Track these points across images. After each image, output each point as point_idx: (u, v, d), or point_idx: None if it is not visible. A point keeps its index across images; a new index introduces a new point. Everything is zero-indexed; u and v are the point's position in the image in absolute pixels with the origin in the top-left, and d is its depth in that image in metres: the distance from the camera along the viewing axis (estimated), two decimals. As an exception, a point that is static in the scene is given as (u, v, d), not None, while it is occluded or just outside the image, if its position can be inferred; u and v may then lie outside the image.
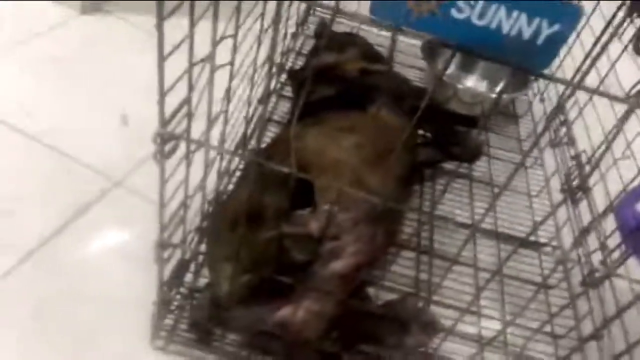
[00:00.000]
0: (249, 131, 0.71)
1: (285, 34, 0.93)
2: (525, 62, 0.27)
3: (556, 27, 0.26)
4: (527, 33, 0.26)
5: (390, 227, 0.72)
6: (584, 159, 0.89)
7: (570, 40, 1.00)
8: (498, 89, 1.13)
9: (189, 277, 0.64)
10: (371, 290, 0.73)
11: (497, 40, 0.27)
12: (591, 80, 0.89)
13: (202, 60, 0.43)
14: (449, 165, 0.96)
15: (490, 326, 0.74)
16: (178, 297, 0.63)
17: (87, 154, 0.84)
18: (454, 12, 0.26)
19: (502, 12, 0.26)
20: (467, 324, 0.73)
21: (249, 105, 0.68)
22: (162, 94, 0.38)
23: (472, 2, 0.26)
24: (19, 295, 0.65)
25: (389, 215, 0.73)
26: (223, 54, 0.47)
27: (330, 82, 0.81)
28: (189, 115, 0.44)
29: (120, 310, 0.66)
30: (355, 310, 0.54)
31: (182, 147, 0.46)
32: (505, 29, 0.26)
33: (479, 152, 0.94)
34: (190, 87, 0.43)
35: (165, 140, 0.41)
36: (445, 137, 0.89)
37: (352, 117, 0.72)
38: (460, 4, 0.26)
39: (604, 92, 0.31)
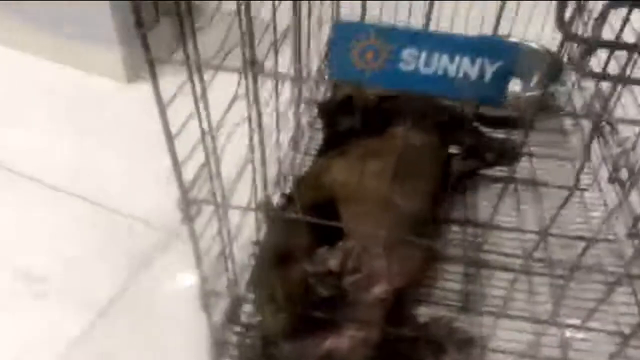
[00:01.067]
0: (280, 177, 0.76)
1: (309, 70, 0.98)
2: (480, 98, 0.29)
3: (498, 63, 0.28)
4: (473, 73, 0.28)
5: (428, 244, 0.74)
6: (629, 144, 0.85)
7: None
8: (532, 85, 1.10)
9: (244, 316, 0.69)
10: (422, 309, 0.74)
11: (447, 84, 0.29)
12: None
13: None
14: (492, 172, 0.95)
15: (549, 332, 0.73)
16: (234, 337, 0.68)
17: (142, 211, 0.92)
18: (402, 66, 0.29)
19: (445, 58, 0.28)
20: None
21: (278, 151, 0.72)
22: (177, 167, 0.43)
23: (415, 54, 0.28)
24: (96, 348, 0.73)
25: (425, 233, 0.74)
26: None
27: (353, 111, 0.84)
28: (211, 180, 0.49)
29: (188, 352, 0.71)
30: (393, 334, 0.56)
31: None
32: (452, 73, 0.28)
33: (516, 154, 0.93)
34: (207, 155, 0.48)
35: (189, 206, 0.46)
36: (477, 146, 0.89)
37: (373, 143, 0.75)
38: (406, 57, 0.28)
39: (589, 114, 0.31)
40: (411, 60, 0.29)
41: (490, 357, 0.57)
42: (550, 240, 0.85)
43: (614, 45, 0.78)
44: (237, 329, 0.67)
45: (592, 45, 0.31)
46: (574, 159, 1.00)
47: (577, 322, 0.72)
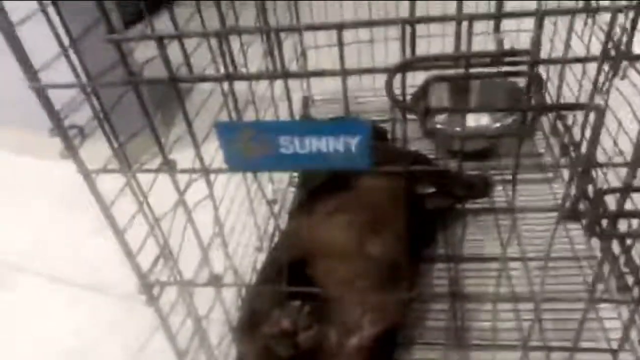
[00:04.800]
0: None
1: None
2: (352, 165, 0.33)
3: (357, 137, 0.32)
4: (341, 147, 0.33)
5: (405, 285, 0.76)
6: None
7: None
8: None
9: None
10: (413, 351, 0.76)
11: (323, 159, 0.34)
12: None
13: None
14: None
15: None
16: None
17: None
18: (283, 150, 0.34)
19: (314, 140, 0.33)
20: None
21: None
22: (131, 257, 0.48)
23: (290, 139, 0.33)
24: None
25: (400, 274, 0.77)
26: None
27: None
28: (174, 263, 0.53)
29: None
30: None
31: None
32: (324, 150, 0.33)
33: (487, 186, 0.95)
34: (164, 241, 0.53)
35: (149, 289, 0.50)
36: (445, 184, 0.93)
37: (337, 197, 0.79)
38: (283, 143, 0.34)
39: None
40: (288, 144, 0.34)
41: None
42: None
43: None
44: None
45: (416, 112, 0.36)
46: (551, 181, 1.02)
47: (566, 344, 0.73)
